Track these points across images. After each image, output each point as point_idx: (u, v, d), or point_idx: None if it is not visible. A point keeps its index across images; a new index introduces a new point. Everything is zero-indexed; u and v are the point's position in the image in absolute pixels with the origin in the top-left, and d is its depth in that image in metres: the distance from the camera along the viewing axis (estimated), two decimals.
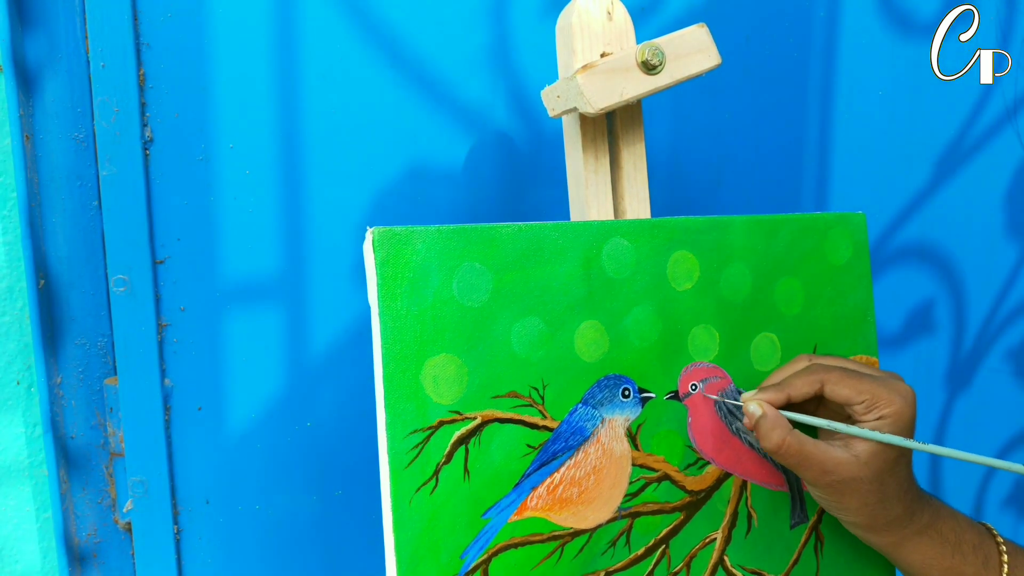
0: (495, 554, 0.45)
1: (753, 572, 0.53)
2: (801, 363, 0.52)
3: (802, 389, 0.49)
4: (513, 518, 0.45)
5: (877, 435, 0.47)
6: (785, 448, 0.47)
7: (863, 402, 0.48)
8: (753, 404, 0.49)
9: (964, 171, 0.82)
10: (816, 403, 0.52)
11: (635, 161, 0.52)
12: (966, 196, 0.82)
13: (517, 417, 0.46)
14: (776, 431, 0.48)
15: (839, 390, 0.48)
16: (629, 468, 0.49)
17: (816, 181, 0.76)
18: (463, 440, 0.44)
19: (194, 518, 0.62)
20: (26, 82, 0.57)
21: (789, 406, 0.50)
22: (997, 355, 0.86)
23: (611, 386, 0.48)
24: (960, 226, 0.83)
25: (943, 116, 0.80)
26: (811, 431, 0.50)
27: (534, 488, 0.46)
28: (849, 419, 0.49)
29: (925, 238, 0.81)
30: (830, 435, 0.49)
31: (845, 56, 0.76)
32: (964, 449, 0.46)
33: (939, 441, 0.84)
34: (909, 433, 0.48)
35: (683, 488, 0.51)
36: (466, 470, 0.44)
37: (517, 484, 0.46)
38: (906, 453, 0.48)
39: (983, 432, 0.86)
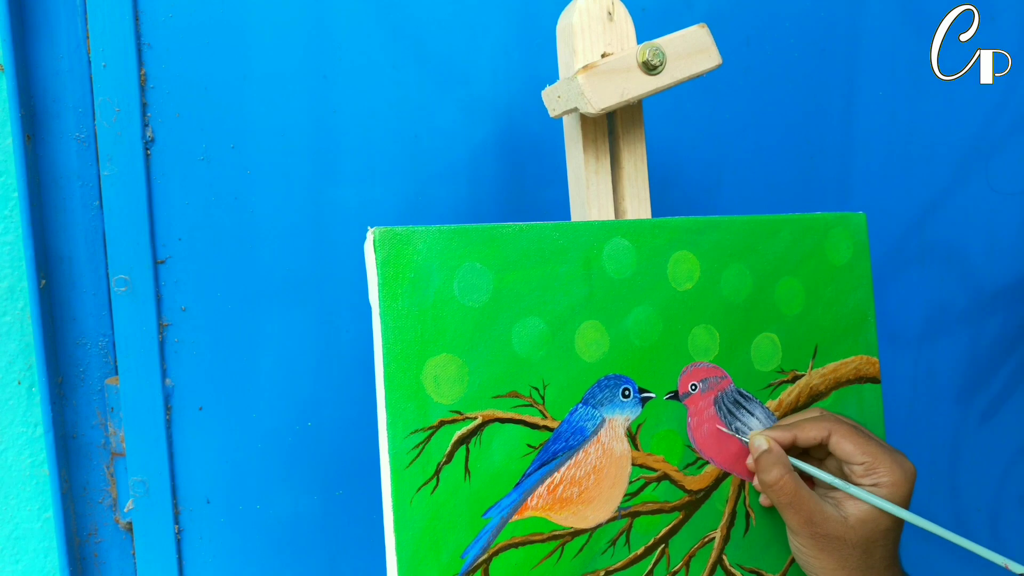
0: (496, 553, 0.45)
1: (751, 571, 0.53)
2: (814, 412, 0.52)
3: (809, 433, 0.50)
4: (514, 518, 0.46)
5: (873, 498, 0.47)
6: (781, 485, 0.48)
7: (864, 463, 0.48)
8: (760, 438, 0.50)
9: (964, 171, 0.82)
10: (817, 463, 0.52)
11: (636, 161, 0.53)
12: (967, 196, 0.82)
13: (518, 417, 0.46)
14: (777, 467, 0.49)
15: (844, 444, 0.49)
16: (629, 468, 0.49)
17: (816, 181, 0.76)
18: (464, 440, 0.44)
19: (195, 518, 0.62)
20: (27, 82, 0.57)
21: (794, 451, 0.51)
22: (1015, 358, 0.86)
23: (611, 386, 0.48)
24: (966, 227, 0.82)
25: (943, 116, 0.80)
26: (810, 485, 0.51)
27: (535, 488, 0.46)
28: (845, 479, 0.49)
29: (926, 239, 0.81)
30: (825, 493, 0.50)
31: (845, 56, 0.76)
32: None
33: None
34: (903, 508, 0.48)
35: (682, 488, 0.51)
36: (467, 470, 0.44)
37: (518, 484, 0.46)
38: (895, 527, 0.48)
39: (1000, 436, 0.86)
